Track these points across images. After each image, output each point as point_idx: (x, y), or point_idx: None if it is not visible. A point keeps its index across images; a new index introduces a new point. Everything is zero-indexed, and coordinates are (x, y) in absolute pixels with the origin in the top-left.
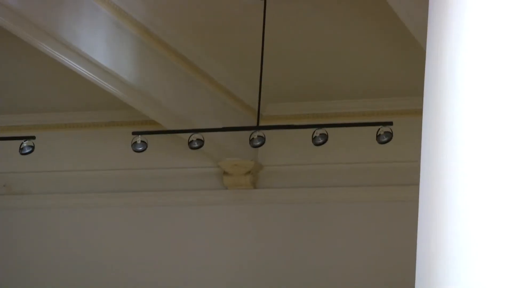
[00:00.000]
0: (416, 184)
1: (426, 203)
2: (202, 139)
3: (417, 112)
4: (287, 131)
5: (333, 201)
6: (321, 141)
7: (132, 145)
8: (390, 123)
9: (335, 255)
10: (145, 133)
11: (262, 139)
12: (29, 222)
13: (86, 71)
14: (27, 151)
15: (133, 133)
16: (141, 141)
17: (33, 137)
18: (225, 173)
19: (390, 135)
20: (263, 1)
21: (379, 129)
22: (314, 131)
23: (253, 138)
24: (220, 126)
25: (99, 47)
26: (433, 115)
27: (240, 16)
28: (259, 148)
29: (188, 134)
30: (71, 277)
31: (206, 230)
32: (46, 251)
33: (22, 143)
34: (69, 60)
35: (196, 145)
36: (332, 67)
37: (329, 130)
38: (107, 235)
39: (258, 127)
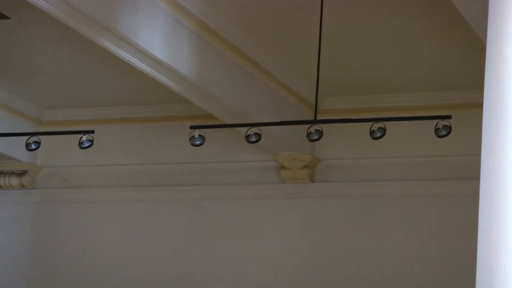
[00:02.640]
0: (474, 178)
1: (487, 198)
2: (260, 133)
3: (474, 106)
4: (344, 124)
5: (390, 195)
6: (379, 134)
7: (189, 139)
8: (449, 117)
9: (391, 249)
10: (202, 127)
11: (320, 133)
12: (88, 215)
13: (144, 66)
14: (86, 145)
15: (191, 127)
16: (199, 135)
17: (92, 131)
18: (282, 167)
19: (448, 129)
20: None
21: (437, 122)
22: (372, 125)
23: (310, 132)
24: (277, 120)
25: (157, 42)
26: (495, 108)
27: (297, 10)
28: (316, 142)
29: (246, 128)
30: (129, 268)
31: (264, 224)
32: (105, 243)
33: (82, 137)
34: (128, 55)
35: (253, 139)
36: (389, 61)
37: (386, 124)
38: (165, 228)
39: (315, 121)
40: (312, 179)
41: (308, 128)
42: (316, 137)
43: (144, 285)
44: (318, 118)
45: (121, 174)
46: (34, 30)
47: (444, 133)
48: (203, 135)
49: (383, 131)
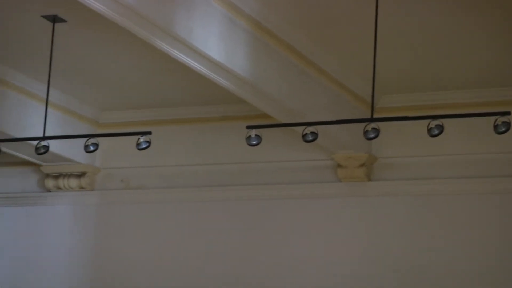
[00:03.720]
0: None
1: None
2: (316, 132)
3: None
4: (401, 122)
5: (449, 193)
6: (436, 132)
7: (246, 139)
8: (508, 113)
9: (451, 248)
10: (259, 126)
11: (377, 131)
12: (146, 216)
13: (200, 66)
14: (144, 146)
15: (247, 127)
16: (255, 135)
17: (150, 133)
18: (339, 166)
19: (508, 125)
20: None
21: (496, 119)
22: (430, 122)
23: (367, 130)
24: (333, 119)
25: (213, 42)
26: None
27: (352, 9)
28: (373, 140)
29: (302, 127)
30: (188, 268)
31: (320, 223)
32: (163, 244)
33: (139, 138)
34: (184, 56)
35: (310, 138)
36: (446, 58)
37: (443, 121)
38: (221, 228)
39: (372, 119)
40: (369, 178)
41: (365, 127)
42: (373, 135)
43: (203, 285)
44: (375, 116)
45: (178, 175)
46: (90, 33)
47: (503, 129)
48: (260, 135)
49: (441, 128)
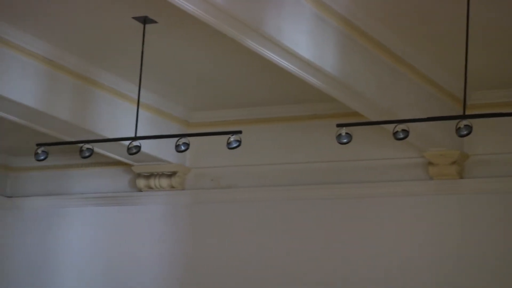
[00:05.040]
0: None
1: None
2: (407, 129)
3: None
4: (493, 118)
5: None
6: None
7: (336, 137)
8: None
9: None
10: (349, 125)
11: (469, 128)
12: (236, 215)
13: (290, 65)
14: (234, 145)
15: (338, 125)
16: (346, 133)
17: (240, 132)
18: (430, 163)
19: None
20: None
21: None
22: None
23: (459, 127)
24: (424, 116)
25: (302, 41)
26: None
27: (442, 5)
28: (465, 137)
29: (393, 125)
30: (277, 267)
31: (411, 221)
32: (253, 242)
33: (229, 137)
34: (274, 55)
35: (401, 136)
36: None
37: None
38: (312, 227)
39: (464, 116)
40: (461, 175)
41: (457, 124)
42: (465, 132)
43: (294, 284)
44: (467, 113)
45: (268, 174)
46: (181, 33)
47: None
48: (350, 133)
49: None
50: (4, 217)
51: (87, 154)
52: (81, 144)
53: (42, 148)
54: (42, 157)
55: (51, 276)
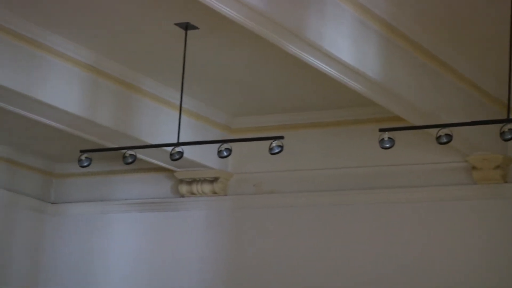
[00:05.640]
0: None
1: None
2: (451, 134)
3: None
4: None
5: None
6: None
7: (379, 142)
8: None
9: None
10: (392, 129)
11: None
12: (278, 220)
13: (331, 70)
14: (277, 150)
15: (380, 130)
16: (388, 137)
17: (282, 137)
18: (473, 167)
19: None
20: None
21: None
22: None
23: (503, 131)
24: (467, 120)
25: (344, 45)
26: None
27: (485, 8)
28: (509, 141)
29: (436, 129)
30: (321, 271)
31: (455, 226)
32: (295, 248)
33: (272, 143)
34: (315, 60)
35: (444, 140)
36: None
37: None
38: (354, 232)
39: (509, 120)
40: (505, 180)
41: (501, 128)
42: (509, 136)
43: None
44: (511, 116)
45: (310, 179)
46: (222, 39)
47: None
48: (393, 138)
49: None
50: (48, 223)
51: (130, 160)
52: (124, 150)
53: (86, 155)
54: (85, 164)
55: (95, 281)
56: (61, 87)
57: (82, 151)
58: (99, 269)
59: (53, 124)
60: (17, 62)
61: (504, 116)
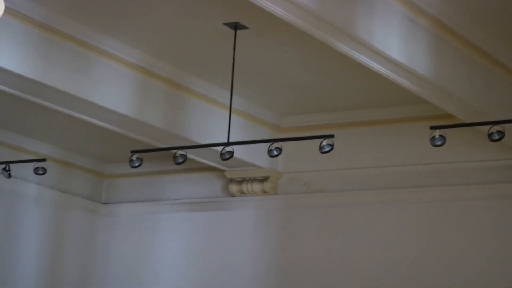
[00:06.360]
0: None
1: None
2: (503, 130)
3: None
4: None
5: None
6: None
7: (430, 140)
8: None
9: None
10: (443, 127)
11: None
12: (329, 220)
13: (382, 68)
14: (327, 149)
15: (431, 128)
16: (440, 135)
17: (332, 136)
18: None
19: None
20: None
21: None
22: None
23: None
24: None
25: (393, 43)
26: None
27: None
28: None
29: (488, 126)
30: (372, 270)
31: (507, 225)
32: (345, 247)
33: (322, 142)
34: (365, 58)
35: (496, 137)
36: None
37: None
38: (403, 231)
39: None
40: None
41: None
42: None
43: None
44: None
45: (361, 177)
46: (272, 38)
47: None
48: (444, 135)
49: None
50: (100, 223)
51: (180, 160)
52: (174, 150)
53: (137, 155)
54: (136, 164)
55: (146, 281)
56: (112, 88)
57: (133, 152)
58: (149, 268)
59: (104, 125)
60: (68, 64)
61: None
